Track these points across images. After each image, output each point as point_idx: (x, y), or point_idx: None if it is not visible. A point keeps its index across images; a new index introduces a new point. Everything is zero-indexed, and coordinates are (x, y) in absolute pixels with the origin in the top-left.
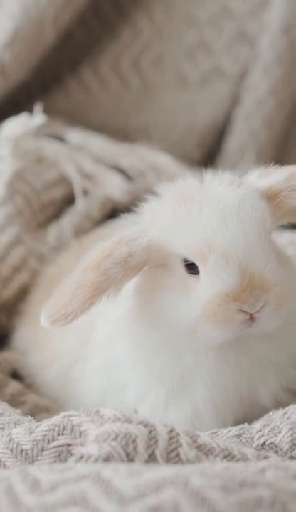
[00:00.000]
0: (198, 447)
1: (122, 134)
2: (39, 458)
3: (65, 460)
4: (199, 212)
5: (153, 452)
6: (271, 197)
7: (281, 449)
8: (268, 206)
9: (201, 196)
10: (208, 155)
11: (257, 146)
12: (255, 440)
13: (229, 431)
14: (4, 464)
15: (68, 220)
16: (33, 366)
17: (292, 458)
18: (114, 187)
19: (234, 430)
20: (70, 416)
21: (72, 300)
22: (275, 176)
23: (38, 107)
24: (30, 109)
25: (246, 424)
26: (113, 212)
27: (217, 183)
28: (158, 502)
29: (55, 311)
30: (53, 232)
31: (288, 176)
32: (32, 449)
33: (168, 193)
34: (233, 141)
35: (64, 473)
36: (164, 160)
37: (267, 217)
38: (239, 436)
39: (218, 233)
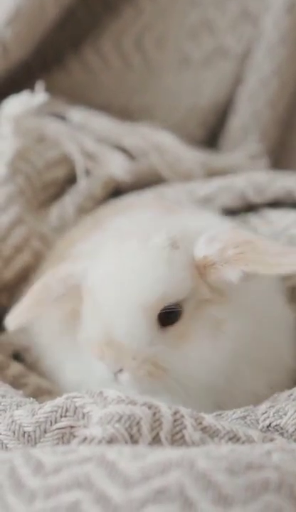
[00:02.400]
0: (203, 429)
1: (125, 113)
2: (42, 440)
3: (68, 442)
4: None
5: (157, 434)
6: (204, 267)
7: (287, 431)
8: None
9: None
10: (211, 135)
11: (261, 126)
12: (260, 422)
13: (234, 413)
14: (6, 446)
15: (70, 200)
16: (34, 347)
17: None
18: (117, 166)
19: (239, 412)
20: (73, 397)
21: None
22: (215, 245)
23: (39, 86)
24: (30, 88)
25: (251, 406)
26: (115, 191)
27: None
28: (163, 485)
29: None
30: (55, 212)
31: (222, 248)
32: (34, 431)
33: None
34: (236, 121)
35: (67, 456)
36: (167, 139)
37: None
38: (244, 418)
39: None
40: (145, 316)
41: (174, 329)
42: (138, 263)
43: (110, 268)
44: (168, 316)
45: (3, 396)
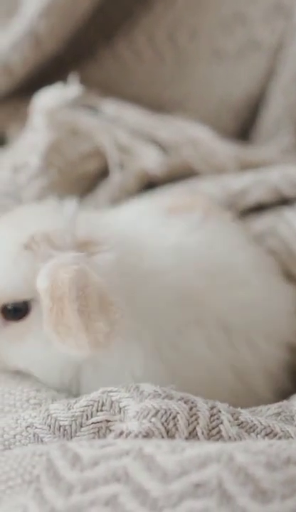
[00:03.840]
0: (240, 424)
1: (156, 106)
2: (77, 434)
3: (104, 436)
4: None
5: (194, 429)
6: None
7: None
8: None
9: None
10: (243, 128)
11: (294, 119)
12: (295, 418)
13: (268, 409)
14: (42, 440)
15: (104, 193)
16: None
17: None
18: (150, 160)
19: (273, 408)
20: (109, 391)
21: None
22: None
23: (73, 78)
24: (62, 81)
25: (285, 402)
26: (149, 184)
27: None
28: (202, 478)
29: None
30: (88, 205)
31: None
32: (70, 425)
33: None
34: (269, 115)
35: (105, 449)
36: (201, 132)
37: None
38: (278, 414)
39: None
40: None
41: (16, 326)
42: None
43: None
44: (13, 312)
45: (38, 390)
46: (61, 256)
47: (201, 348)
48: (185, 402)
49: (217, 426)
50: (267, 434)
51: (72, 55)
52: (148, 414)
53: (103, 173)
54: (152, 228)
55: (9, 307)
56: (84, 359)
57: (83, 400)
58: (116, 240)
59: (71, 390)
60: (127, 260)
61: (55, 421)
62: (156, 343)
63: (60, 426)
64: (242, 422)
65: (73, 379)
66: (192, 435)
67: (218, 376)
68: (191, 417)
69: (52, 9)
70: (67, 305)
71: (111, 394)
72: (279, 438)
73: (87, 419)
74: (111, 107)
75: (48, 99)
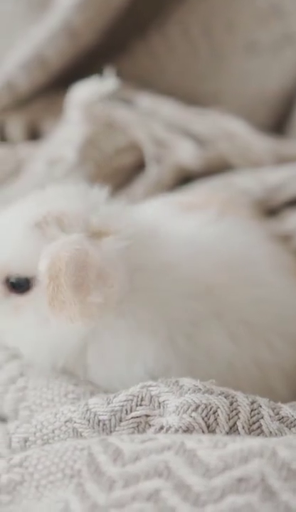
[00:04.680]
0: (281, 419)
1: (190, 99)
2: (117, 429)
3: (144, 431)
4: None
5: (234, 424)
6: None
7: None
8: None
9: None
10: (278, 121)
11: None
12: None
13: None
14: (81, 435)
15: (140, 187)
16: None
17: None
18: (186, 153)
19: None
20: (149, 386)
21: None
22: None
23: (109, 71)
24: (95, 74)
25: None
26: (185, 178)
27: None
28: (245, 473)
29: None
30: (124, 198)
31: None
32: (109, 420)
33: None
34: None
35: (146, 444)
36: (237, 126)
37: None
38: None
39: None
40: None
41: (16, 299)
42: (2, 226)
43: None
44: (15, 286)
45: (76, 385)
46: (66, 237)
47: (221, 341)
48: (225, 397)
49: (257, 421)
50: None
51: (106, 48)
52: (188, 408)
53: (139, 167)
54: (168, 222)
55: (12, 280)
56: (83, 342)
57: (122, 395)
58: (130, 232)
59: (76, 374)
60: (140, 252)
61: (95, 415)
62: (169, 335)
63: (99, 420)
64: (283, 417)
65: (77, 364)
66: (232, 430)
67: (241, 371)
68: (232, 411)
69: (88, 2)
70: (63, 281)
71: (150, 388)
72: None
73: (126, 413)
74: (146, 101)
75: (84, 92)
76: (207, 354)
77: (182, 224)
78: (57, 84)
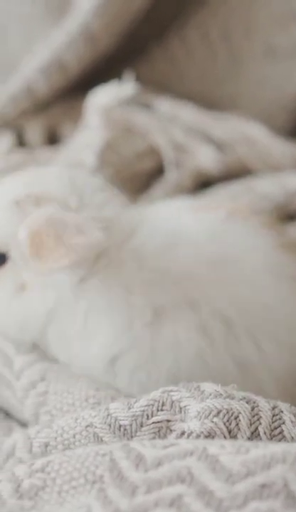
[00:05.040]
0: None
1: (209, 104)
2: (138, 434)
3: (165, 436)
4: None
5: (256, 429)
6: None
7: None
8: None
9: None
10: None
11: None
12: None
13: None
14: (102, 440)
15: (160, 192)
16: None
17: None
18: (206, 158)
19: None
20: (170, 391)
21: None
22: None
23: (128, 76)
24: (113, 78)
25: None
26: (205, 183)
27: None
28: (267, 479)
29: None
30: (144, 203)
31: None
32: (130, 425)
33: None
34: None
35: (168, 449)
36: (257, 130)
37: None
38: None
39: None
40: None
41: None
42: None
43: None
44: None
45: (97, 389)
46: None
47: (189, 332)
48: (247, 402)
49: (279, 426)
50: None
51: (125, 52)
52: (210, 414)
53: (159, 171)
54: (160, 215)
55: None
56: (45, 319)
57: (143, 400)
58: (107, 216)
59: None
60: (112, 236)
61: (116, 420)
62: (127, 321)
63: (120, 425)
64: None
65: (42, 340)
66: (254, 435)
67: (215, 368)
68: (253, 416)
69: (107, 6)
70: (44, 235)
71: (172, 393)
72: None
73: (147, 418)
74: (165, 105)
75: (104, 97)
76: (171, 344)
77: (178, 219)
78: (75, 88)
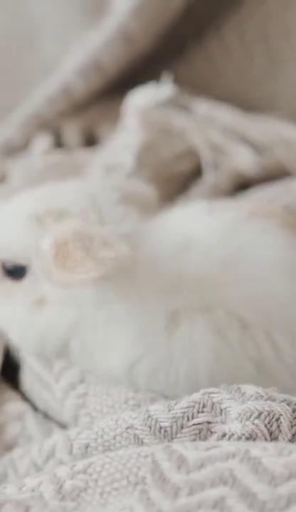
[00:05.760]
0: None
1: (246, 105)
2: (178, 436)
3: (205, 438)
4: None
5: None
6: None
7: None
8: None
9: None
10: None
11: None
12: None
13: None
14: (142, 441)
15: (197, 193)
16: None
17: None
18: (244, 159)
19: None
20: (211, 393)
21: None
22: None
23: (166, 77)
24: (151, 80)
25: None
26: (243, 184)
27: None
28: None
29: None
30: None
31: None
32: (171, 427)
33: None
34: None
35: (210, 451)
36: (294, 132)
37: None
38: None
39: None
40: None
41: (10, 284)
42: (4, 215)
43: None
44: (11, 272)
45: (136, 391)
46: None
47: (205, 334)
48: (288, 404)
49: None
50: None
51: (162, 52)
52: (251, 416)
53: (196, 173)
54: (177, 219)
55: (8, 266)
56: (67, 332)
57: (184, 401)
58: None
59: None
60: (134, 246)
61: (156, 422)
62: (143, 327)
63: (160, 427)
64: None
65: (64, 352)
66: (295, 437)
67: (232, 366)
68: (294, 418)
69: (144, 7)
70: (71, 246)
71: (212, 395)
72: None
73: (188, 420)
74: (203, 107)
75: (142, 98)
76: (188, 346)
77: (192, 222)
78: (113, 89)
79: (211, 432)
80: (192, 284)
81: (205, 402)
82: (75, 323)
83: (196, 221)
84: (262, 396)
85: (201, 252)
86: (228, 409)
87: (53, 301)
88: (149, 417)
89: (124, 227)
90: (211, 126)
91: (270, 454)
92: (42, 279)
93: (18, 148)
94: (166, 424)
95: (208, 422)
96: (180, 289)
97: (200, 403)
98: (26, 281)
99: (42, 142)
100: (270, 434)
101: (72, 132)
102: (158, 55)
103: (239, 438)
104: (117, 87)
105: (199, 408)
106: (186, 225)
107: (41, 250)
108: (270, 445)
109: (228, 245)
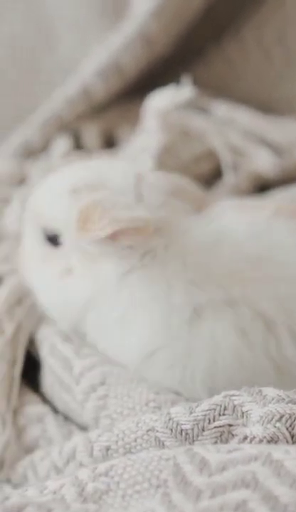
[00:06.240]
0: None
1: (265, 107)
2: (199, 438)
3: (226, 441)
4: None
5: None
6: None
7: None
8: None
9: None
10: None
11: None
12: None
13: None
14: (163, 444)
15: (217, 195)
16: None
17: None
18: (263, 161)
19: None
20: (232, 396)
21: None
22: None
23: (185, 80)
24: (170, 81)
25: None
26: (263, 186)
27: None
28: None
29: None
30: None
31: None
32: (192, 429)
33: None
34: None
35: (232, 454)
36: None
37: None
38: None
39: None
40: (32, 223)
41: (47, 250)
42: (48, 184)
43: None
44: (48, 238)
45: (157, 393)
46: None
47: (227, 331)
48: None
49: None
50: None
51: (181, 54)
52: (272, 418)
53: (216, 175)
54: (209, 214)
55: (47, 232)
56: (85, 305)
57: (205, 404)
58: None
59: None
60: (168, 237)
61: (177, 425)
62: (167, 317)
63: (182, 430)
64: None
65: (79, 324)
66: None
67: (252, 366)
68: None
69: (164, 9)
70: (92, 208)
71: (233, 398)
72: None
73: (209, 423)
74: (222, 109)
75: (162, 100)
76: (209, 342)
77: (219, 216)
78: (132, 91)
79: (232, 435)
80: (220, 279)
81: (227, 404)
82: (94, 298)
83: (228, 217)
84: (283, 399)
85: (232, 249)
86: (249, 412)
87: (78, 272)
88: (170, 419)
89: (161, 213)
90: (231, 128)
91: (292, 457)
92: (71, 248)
93: (37, 150)
94: (188, 426)
95: (230, 425)
96: (208, 284)
97: (221, 406)
98: (60, 250)
99: (62, 144)
100: (292, 437)
101: (91, 134)
102: (177, 57)
103: (260, 441)
104: (136, 88)
105: (220, 411)
106: (218, 220)
107: (71, 223)
108: (293, 448)
109: (259, 243)
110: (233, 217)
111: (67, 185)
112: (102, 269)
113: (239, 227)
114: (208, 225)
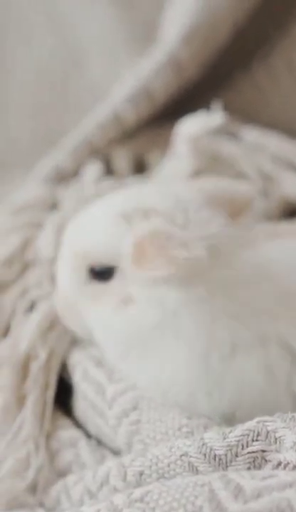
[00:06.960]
0: None
1: (293, 132)
2: (232, 464)
3: (260, 466)
4: None
5: None
6: None
7: None
8: None
9: None
10: None
11: None
12: None
13: None
14: (197, 469)
15: (248, 220)
16: None
17: None
18: (293, 187)
19: None
20: (265, 421)
21: None
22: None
23: (216, 105)
24: (200, 108)
25: None
26: (292, 212)
27: None
28: None
29: None
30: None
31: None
32: (225, 455)
33: None
34: None
35: (267, 480)
36: None
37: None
38: None
39: None
40: (74, 264)
41: (97, 287)
42: (90, 216)
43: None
44: (99, 274)
45: (189, 418)
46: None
47: (254, 369)
48: None
49: None
50: None
51: (210, 79)
52: None
53: None
54: (254, 241)
55: (96, 268)
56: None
57: (238, 430)
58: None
59: None
60: (221, 257)
61: (211, 450)
62: (206, 351)
63: (215, 455)
64: None
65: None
66: None
67: (273, 401)
68: None
69: (194, 35)
70: (148, 242)
71: (267, 424)
72: None
73: (242, 448)
74: (252, 134)
75: (192, 126)
76: (237, 378)
77: (260, 247)
78: (162, 116)
79: (266, 461)
80: (258, 315)
81: (260, 430)
82: (162, 320)
83: (270, 247)
84: None
85: (272, 283)
86: (282, 437)
87: (142, 298)
88: (203, 444)
89: (211, 229)
90: (261, 154)
91: None
92: (128, 278)
93: (68, 175)
94: (221, 452)
95: (263, 451)
96: (247, 320)
97: (254, 431)
98: (113, 282)
99: (93, 169)
100: None
101: (122, 159)
102: (206, 83)
103: (294, 467)
104: (165, 113)
105: (254, 436)
106: (261, 250)
107: (124, 251)
108: None
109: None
110: (274, 246)
111: (114, 212)
112: (166, 295)
113: (282, 258)
114: (253, 256)
